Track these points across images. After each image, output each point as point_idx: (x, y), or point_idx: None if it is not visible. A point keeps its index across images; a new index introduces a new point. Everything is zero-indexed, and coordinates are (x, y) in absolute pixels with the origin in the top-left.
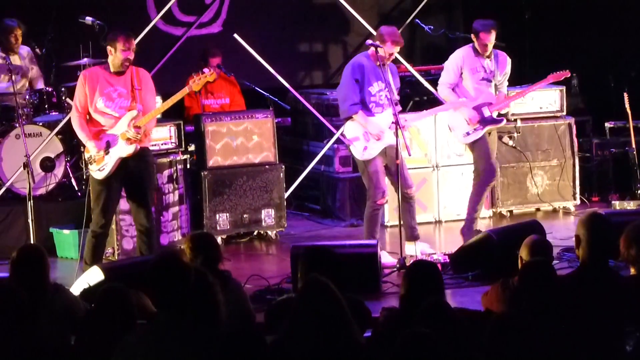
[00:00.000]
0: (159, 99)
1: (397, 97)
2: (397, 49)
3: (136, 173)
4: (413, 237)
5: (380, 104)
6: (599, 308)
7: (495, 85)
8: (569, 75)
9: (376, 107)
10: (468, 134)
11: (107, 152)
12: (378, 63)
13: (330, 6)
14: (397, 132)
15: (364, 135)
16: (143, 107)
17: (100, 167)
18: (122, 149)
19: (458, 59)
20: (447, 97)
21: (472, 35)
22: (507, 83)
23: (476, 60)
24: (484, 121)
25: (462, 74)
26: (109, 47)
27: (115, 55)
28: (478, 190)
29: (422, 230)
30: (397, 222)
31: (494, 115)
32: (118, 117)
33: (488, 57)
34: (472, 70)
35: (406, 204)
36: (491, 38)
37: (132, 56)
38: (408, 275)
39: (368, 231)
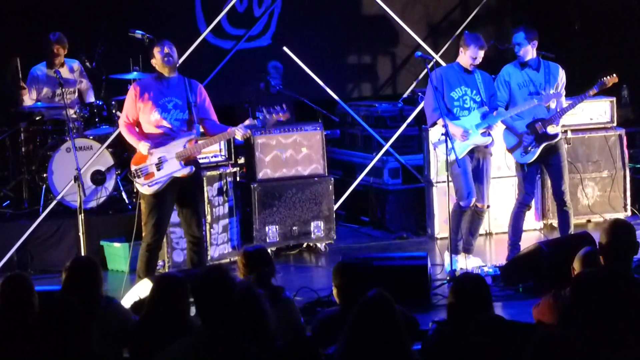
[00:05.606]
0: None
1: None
2: (481, 52)
3: (188, 185)
4: (465, 250)
5: (466, 108)
6: (619, 313)
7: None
8: (617, 80)
9: (461, 111)
10: (524, 153)
11: (158, 168)
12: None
13: (380, 18)
14: (447, 143)
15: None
16: (207, 119)
17: (150, 182)
18: (178, 169)
19: (504, 75)
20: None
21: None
22: (563, 93)
23: (523, 74)
24: (539, 138)
25: (511, 89)
26: (152, 61)
27: (156, 59)
28: (513, 210)
29: None
30: (445, 235)
31: (549, 131)
32: (170, 127)
33: (537, 69)
34: (519, 85)
35: (471, 216)
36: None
37: (173, 54)
38: (454, 288)
39: (451, 229)
